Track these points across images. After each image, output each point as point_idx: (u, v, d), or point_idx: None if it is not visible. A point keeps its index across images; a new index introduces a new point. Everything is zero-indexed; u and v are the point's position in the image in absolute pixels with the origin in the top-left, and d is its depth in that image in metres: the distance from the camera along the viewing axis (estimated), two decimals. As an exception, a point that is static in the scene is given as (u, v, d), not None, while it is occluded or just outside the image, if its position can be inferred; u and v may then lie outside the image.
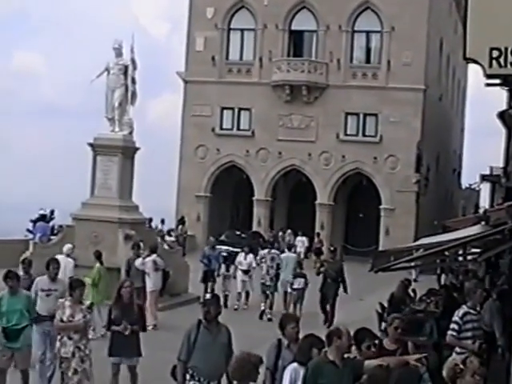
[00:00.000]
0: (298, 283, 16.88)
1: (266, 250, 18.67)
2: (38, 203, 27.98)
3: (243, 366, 5.46)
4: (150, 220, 30.61)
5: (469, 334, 8.54)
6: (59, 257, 14.42)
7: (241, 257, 18.67)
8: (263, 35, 35.96)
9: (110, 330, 9.16)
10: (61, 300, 9.08)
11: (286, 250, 18.95)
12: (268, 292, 17.36)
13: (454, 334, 8.49)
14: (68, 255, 14.23)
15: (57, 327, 8.93)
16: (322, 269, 17.74)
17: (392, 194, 34.46)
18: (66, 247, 14.69)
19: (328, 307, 16.66)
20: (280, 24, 35.62)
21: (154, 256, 15.42)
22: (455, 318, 8.61)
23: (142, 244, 17.09)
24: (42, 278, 10.26)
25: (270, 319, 16.48)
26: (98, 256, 14.41)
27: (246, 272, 18.39)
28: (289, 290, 17.18)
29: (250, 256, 18.71)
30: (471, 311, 8.55)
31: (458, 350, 8.39)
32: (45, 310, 9.75)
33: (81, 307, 8.84)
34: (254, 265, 18.60)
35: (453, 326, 8.55)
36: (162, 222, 30.58)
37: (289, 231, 33.91)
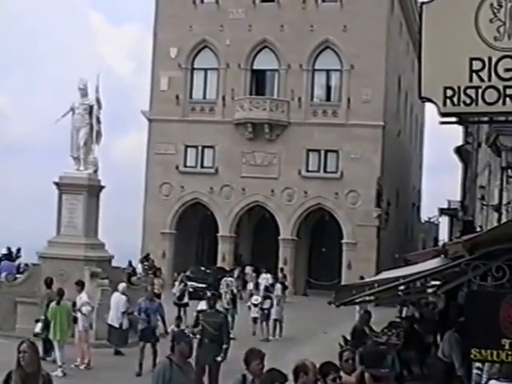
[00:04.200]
0: (266, 304, 20.11)
1: (222, 279, 20.53)
2: (4, 241, 27.71)
3: None
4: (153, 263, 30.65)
5: None
6: (115, 294, 15.91)
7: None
8: (226, 74, 36.56)
9: None
10: None
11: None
12: (227, 315, 17.96)
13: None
14: (123, 293, 15.86)
15: None
16: (195, 329, 12.04)
17: (353, 228, 34.97)
18: (122, 286, 16.04)
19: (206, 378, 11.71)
20: (242, 63, 36.29)
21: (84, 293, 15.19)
22: None
23: (106, 281, 17.29)
24: None
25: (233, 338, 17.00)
26: (60, 294, 14.23)
27: None
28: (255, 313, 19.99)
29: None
30: None
31: None
32: None
33: None
34: None
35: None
36: (130, 263, 30.28)
37: (249, 269, 33.53)
